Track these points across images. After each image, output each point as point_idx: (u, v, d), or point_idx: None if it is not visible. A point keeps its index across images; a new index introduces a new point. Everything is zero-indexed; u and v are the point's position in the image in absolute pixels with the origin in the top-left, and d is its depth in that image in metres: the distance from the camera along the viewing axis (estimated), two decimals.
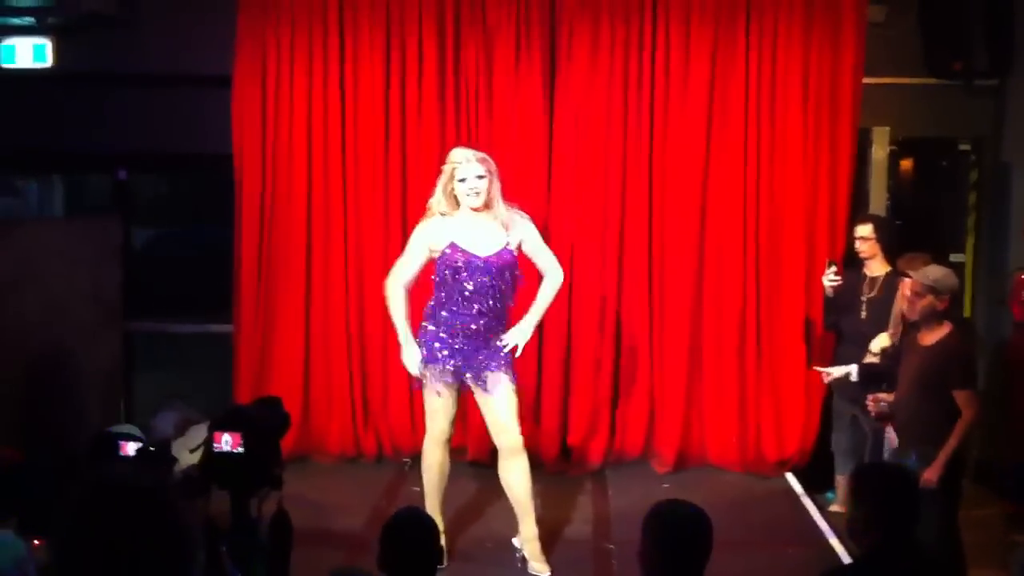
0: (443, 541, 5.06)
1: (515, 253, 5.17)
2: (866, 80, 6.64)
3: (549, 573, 5.17)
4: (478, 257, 5.04)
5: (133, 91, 7.21)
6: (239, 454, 2.92)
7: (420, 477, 5.41)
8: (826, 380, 6.02)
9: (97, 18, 6.99)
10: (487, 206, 5.08)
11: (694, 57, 6.64)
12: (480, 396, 5.19)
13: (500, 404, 5.12)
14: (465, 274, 5.03)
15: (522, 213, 5.30)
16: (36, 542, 3.18)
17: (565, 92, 6.72)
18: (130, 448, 3.32)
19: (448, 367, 5.08)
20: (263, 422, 3.01)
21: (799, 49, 6.61)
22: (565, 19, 6.67)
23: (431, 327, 5.13)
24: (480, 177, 5.04)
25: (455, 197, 5.09)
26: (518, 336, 5.17)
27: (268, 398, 3.29)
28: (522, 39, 6.67)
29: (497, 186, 5.12)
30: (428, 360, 5.11)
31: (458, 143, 6.57)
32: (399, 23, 6.70)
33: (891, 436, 5.33)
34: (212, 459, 2.96)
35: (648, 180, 6.72)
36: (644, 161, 6.71)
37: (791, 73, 6.62)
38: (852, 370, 5.72)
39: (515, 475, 5.19)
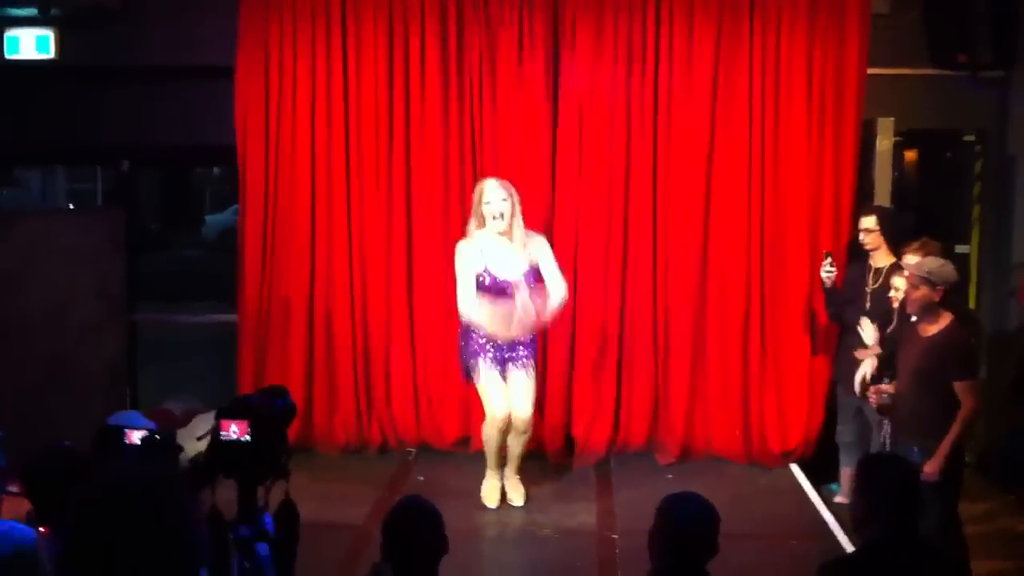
0: (503, 485, 6.05)
1: (535, 271, 5.84)
2: (870, 71, 6.61)
3: (523, 503, 6.00)
4: (504, 281, 5.73)
5: (136, 83, 7.19)
6: (246, 442, 2.91)
7: (424, 467, 5.57)
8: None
9: (100, 10, 6.98)
10: (509, 230, 5.77)
11: (697, 49, 6.63)
12: (509, 378, 5.90)
13: (519, 390, 5.84)
14: (493, 292, 5.73)
15: (539, 234, 6.01)
16: (42, 529, 3.17)
17: (568, 85, 6.70)
18: (135, 437, 3.30)
19: (490, 359, 5.82)
20: (270, 411, 3.00)
21: (803, 40, 6.58)
22: (568, 12, 6.65)
23: (472, 334, 5.90)
24: (504, 200, 5.74)
25: (483, 217, 5.81)
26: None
27: (274, 387, 3.28)
28: (525, 31, 6.65)
29: (518, 212, 5.82)
30: (475, 355, 5.85)
31: (461, 136, 6.67)
32: (402, 13, 6.68)
33: (887, 430, 5.31)
34: (219, 447, 2.94)
35: (652, 172, 6.71)
36: (648, 153, 6.70)
37: (795, 64, 6.59)
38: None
39: (517, 443, 5.97)
